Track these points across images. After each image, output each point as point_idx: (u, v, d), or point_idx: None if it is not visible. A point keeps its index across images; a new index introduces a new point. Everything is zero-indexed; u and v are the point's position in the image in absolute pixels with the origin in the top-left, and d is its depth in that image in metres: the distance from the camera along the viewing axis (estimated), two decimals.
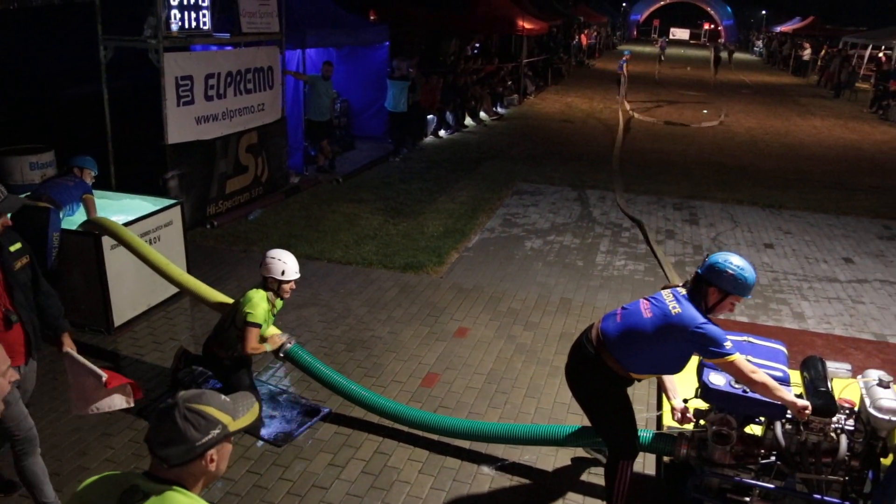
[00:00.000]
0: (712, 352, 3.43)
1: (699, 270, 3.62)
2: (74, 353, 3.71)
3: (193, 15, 7.98)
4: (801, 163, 14.25)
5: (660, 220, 9.78)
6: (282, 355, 4.68)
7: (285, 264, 4.50)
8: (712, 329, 3.44)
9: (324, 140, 11.20)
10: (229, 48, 9.00)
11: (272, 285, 4.52)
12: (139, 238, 5.57)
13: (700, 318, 3.47)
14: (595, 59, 37.16)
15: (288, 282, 4.51)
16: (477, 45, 20.99)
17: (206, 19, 8.14)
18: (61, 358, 3.76)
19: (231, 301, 4.89)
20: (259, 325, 4.42)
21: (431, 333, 6.14)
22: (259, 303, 4.43)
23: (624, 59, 23.52)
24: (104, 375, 3.60)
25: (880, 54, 29.97)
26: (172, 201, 6.50)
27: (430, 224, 9.00)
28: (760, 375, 3.48)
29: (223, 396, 1.99)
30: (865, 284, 7.80)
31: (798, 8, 51.26)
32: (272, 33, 9.48)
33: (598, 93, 23.48)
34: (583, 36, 34.88)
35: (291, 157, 10.66)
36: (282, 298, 4.59)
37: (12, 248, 3.55)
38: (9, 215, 3.50)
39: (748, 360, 3.81)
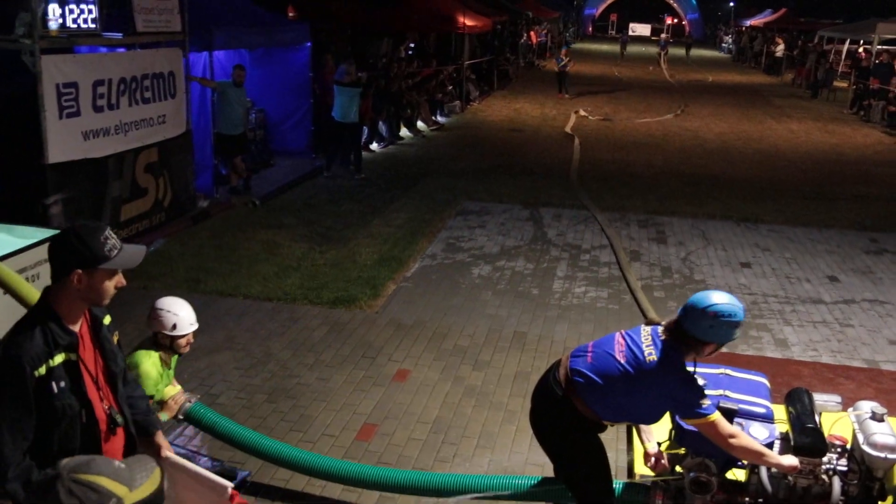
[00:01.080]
0: (688, 411, 3.46)
1: (679, 313, 3.60)
2: (178, 457, 3.24)
3: (77, 10, 7.79)
4: (778, 171, 14.72)
5: (623, 239, 9.94)
6: (181, 417, 4.57)
7: (177, 316, 4.35)
8: (690, 385, 3.46)
9: (237, 157, 11.08)
10: (122, 50, 8.86)
11: (164, 341, 4.37)
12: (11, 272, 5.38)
13: (677, 371, 3.48)
14: (546, 60, 37.84)
15: (183, 336, 4.39)
16: (412, 45, 21.18)
17: (93, 16, 7.99)
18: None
19: None
20: (150, 397, 4.26)
21: (367, 378, 6.08)
22: (149, 371, 4.26)
23: (562, 55, 24.49)
24: (229, 486, 3.12)
25: (859, 50, 31.27)
26: (55, 231, 6.32)
27: (363, 251, 8.96)
28: (741, 440, 3.50)
29: (116, 462, 1.92)
30: (853, 305, 8.05)
31: None
32: (173, 33, 9.38)
33: (551, 97, 23.90)
34: (532, 33, 35.52)
35: (199, 176, 10.50)
36: (179, 354, 4.47)
37: (106, 321, 2.97)
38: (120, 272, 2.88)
39: (727, 396, 3.86)
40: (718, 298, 3.52)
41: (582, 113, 20.29)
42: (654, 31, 71.71)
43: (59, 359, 2.68)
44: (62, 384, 2.67)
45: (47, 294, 2.74)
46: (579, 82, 28.27)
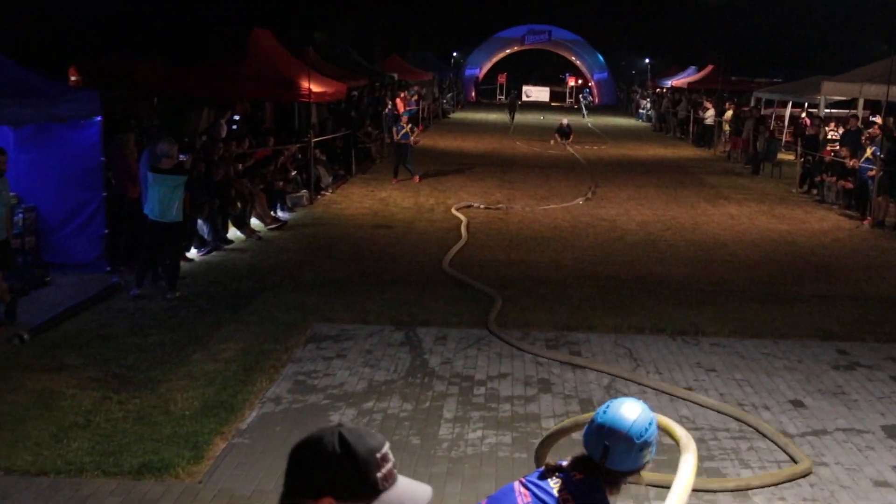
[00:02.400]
0: None
1: (591, 446, 3.69)
2: None
3: None
4: (718, 267, 15.33)
5: (527, 364, 10.02)
6: None
7: None
8: None
9: None
10: None
11: None
12: None
13: None
14: (418, 134, 38.76)
15: None
16: (236, 116, 21.27)
17: None
18: None
19: None
20: None
21: None
22: None
23: (402, 122, 25.03)
24: None
25: (803, 115, 33.51)
26: None
27: (180, 397, 8.69)
28: None
29: None
30: (825, 437, 8.30)
31: (692, 55, 56.84)
32: None
33: (426, 182, 24.34)
34: (398, 101, 36.40)
35: None
36: None
37: None
38: None
39: None
40: (631, 413, 3.69)
41: (459, 208, 20.67)
42: (555, 96, 74.98)
43: None
44: None
45: None
46: (460, 161, 29.03)
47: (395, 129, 25.20)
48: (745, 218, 20.46)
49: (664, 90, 54.74)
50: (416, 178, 24.22)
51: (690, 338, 11.18)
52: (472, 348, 10.55)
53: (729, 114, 35.39)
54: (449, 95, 57.52)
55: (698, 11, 61.73)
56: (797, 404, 9.08)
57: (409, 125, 25.38)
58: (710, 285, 14.00)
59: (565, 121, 38.42)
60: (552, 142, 36.98)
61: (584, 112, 55.60)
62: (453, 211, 19.71)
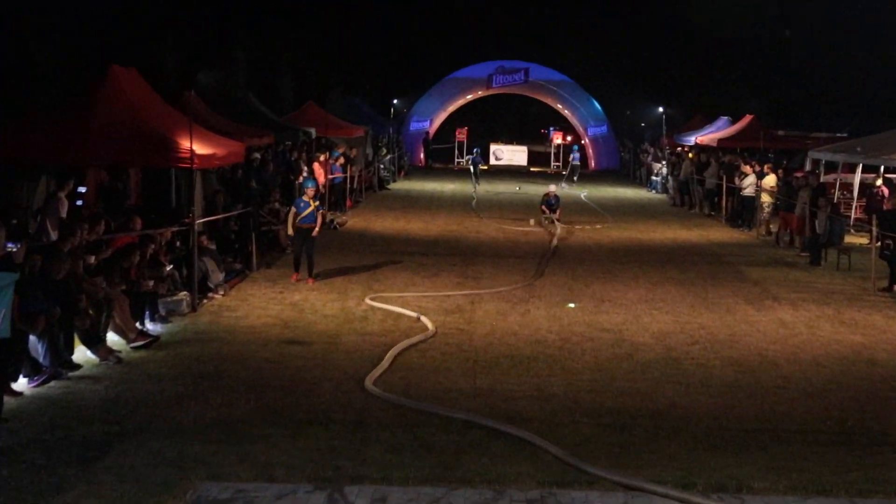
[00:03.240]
0: None
1: None
2: None
3: None
4: (767, 396, 15.22)
5: None
6: None
7: None
8: None
9: None
10: None
11: None
12: None
13: None
14: (346, 213, 38.74)
15: None
16: (82, 189, 21.11)
17: None
18: None
19: None
20: None
21: None
22: None
23: (307, 195, 24.44)
24: None
25: (878, 182, 33.58)
26: None
27: None
28: None
29: None
30: None
31: (723, 102, 57.61)
32: None
33: (361, 278, 24.22)
34: (317, 165, 36.43)
35: None
36: None
37: None
38: None
39: None
40: None
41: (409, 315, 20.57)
42: (535, 158, 75.54)
43: None
44: None
45: None
46: (404, 249, 28.98)
47: (292, 206, 24.28)
48: (803, 326, 20.45)
49: (685, 149, 54.66)
50: (310, 281, 23.80)
51: (732, 496, 11.04)
52: None
53: (771, 179, 35.48)
54: (388, 158, 57.60)
55: (730, 43, 62.91)
56: None
57: (316, 202, 24.35)
58: (757, 422, 13.87)
59: (553, 188, 38.64)
60: (532, 222, 37.14)
61: (565, 182, 55.82)
62: (406, 312, 19.59)
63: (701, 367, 16.87)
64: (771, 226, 35.42)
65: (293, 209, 23.84)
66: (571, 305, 21.80)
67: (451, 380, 15.67)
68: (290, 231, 23.98)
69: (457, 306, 21.38)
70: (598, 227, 37.52)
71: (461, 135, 75.69)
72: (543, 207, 37.68)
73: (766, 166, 37.69)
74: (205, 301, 21.09)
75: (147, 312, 18.79)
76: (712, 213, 42.89)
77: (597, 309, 21.57)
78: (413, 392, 14.81)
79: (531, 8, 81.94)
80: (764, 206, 35.29)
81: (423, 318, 19.75)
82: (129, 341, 17.30)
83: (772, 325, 20.51)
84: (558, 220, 36.12)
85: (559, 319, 20.44)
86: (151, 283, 19.10)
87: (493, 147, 74.55)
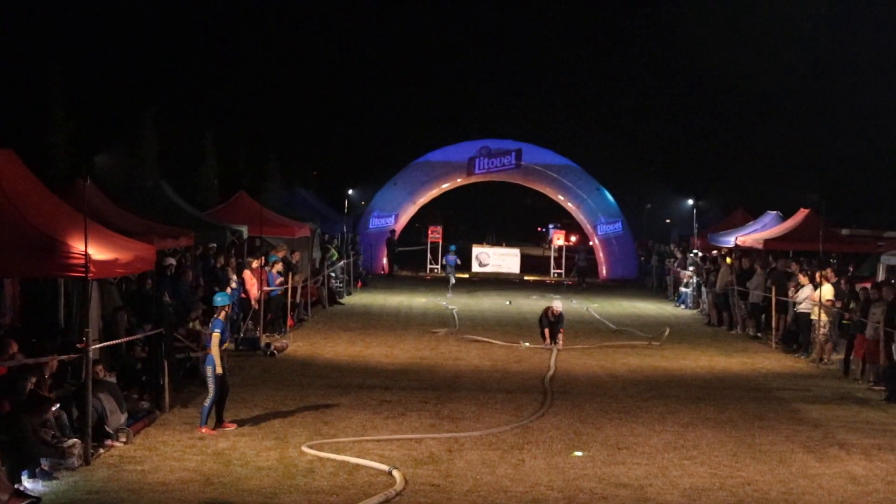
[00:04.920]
0: None
1: None
2: None
3: None
4: None
5: None
6: None
7: None
8: None
9: None
10: None
11: None
12: None
13: None
14: (286, 335, 38.52)
15: None
16: None
17: None
18: None
19: None
20: None
21: None
22: None
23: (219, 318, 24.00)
24: None
25: None
26: None
27: None
28: None
29: None
30: None
31: (769, 193, 57.76)
32: None
33: (305, 419, 24.02)
34: (248, 274, 36.31)
35: None
36: None
37: None
38: None
39: None
40: None
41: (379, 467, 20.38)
42: (529, 264, 75.67)
43: None
44: None
45: None
46: (361, 382, 28.80)
47: (209, 328, 23.75)
48: (880, 482, 20.28)
49: (722, 253, 54.68)
50: (229, 424, 23.40)
51: None
52: None
53: (828, 291, 35.32)
54: (340, 265, 57.49)
55: (779, 120, 63.37)
56: None
57: (212, 323, 23.72)
58: None
59: (557, 305, 38.51)
60: (525, 344, 37.13)
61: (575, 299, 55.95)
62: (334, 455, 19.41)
63: None
64: (831, 352, 35.40)
65: (215, 334, 23.33)
66: (578, 454, 21.65)
67: None
68: (219, 368, 23.28)
69: (430, 455, 21.22)
70: (642, 346, 37.46)
71: (435, 234, 75.63)
72: (545, 331, 37.55)
73: (819, 274, 37.01)
74: (101, 450, 20.85)
75: (27, 469, 18.54)
76: (759, 334, 42.93)
77: (611, 459, 21.42)
78: None
79: (523, 76, 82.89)
80: (821, 325, 35.23)
81: (396, 472, 19.56)
82: None
83: (838, 480, 20.36)
84: (559, 348, 36.02)
85: (562, 472, 20.28)
86: (33, 428, 18.89)
87: (475, 250, 74.72)
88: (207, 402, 23.17)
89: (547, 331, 37.47)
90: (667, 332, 40.61)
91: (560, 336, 37.09)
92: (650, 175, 77.76)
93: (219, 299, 24.05)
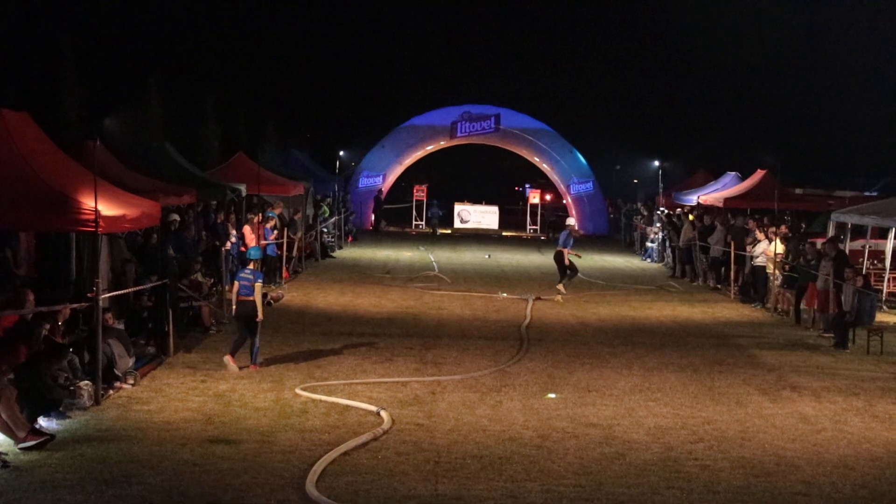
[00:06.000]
0: None
1: None
2: None
3: None
4: None
5: None
6: None
7: None
8: None
9: None
10: None
11: None
12: None
13: None
14: (282, 287, 38.52)
15: None
16: None
17: None
18: None
19: None
20: None
21: None
22: None
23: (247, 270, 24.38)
24: None
25: None
26: None
27: None
28: None
29: None
30: None
31: (729, 155, 57.88)
32: None
33: (299, 364, 24.09)
34: (247, 229, 36.29)
35: None
36: None
37: None
38: None
39: None
40: None
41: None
42: (507, 220, 75.59)
43: None
44: None
45: None
46: (351, 330, 28.90)
47: (235, 279, 24.26)
48: (828, 421, 20.45)
49: (686, 210, 54.60)
50: (254, 365, 23.89)
51: None
52: None
53: (778, 247, 35.64)
54: (332, 221, 57.46)
55: (739, 83, 63.38)
56: None
57: (254, 274, 24.06)
58: None
59: (571, 222, 38.94)
60: (503, 294, 37.30)
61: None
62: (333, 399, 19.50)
63: (706, 471, 16.85)
64: (780, 301, 35.71)
65: (258, 284, 23.91)
66: (551, 396, 21.76)
67: (407, 485, 15.59)
68: (261, 314, 24.05)
69: (415, 397, 21.32)
70: (597, 307, 37.57)
71: (420, 193, 75.43)
72: (567, 251, 37.91)
73: (770, 230, 37.52)
74: (111, 392, 20.92)
75: (38, 407, 18.60)
76: (718, 286, 43.05)
77: (582, 400, 21.55)
78: (363, 501, 14.72)
79: (501, 44, 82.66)
80: (775, 277, 35.48)
81: (383, 412, 19.67)
82: (17, 441, 17.10)
83: (790, 419, 20.53)
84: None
85: (537, 412, 20.39)
86: (46, 370, 18.95)
87: (457, 207, 74.60)
88: (257, 343, 23.95)
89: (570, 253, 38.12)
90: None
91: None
92: (619, 138, 77.68)
93: (253, 253, 24.47)
